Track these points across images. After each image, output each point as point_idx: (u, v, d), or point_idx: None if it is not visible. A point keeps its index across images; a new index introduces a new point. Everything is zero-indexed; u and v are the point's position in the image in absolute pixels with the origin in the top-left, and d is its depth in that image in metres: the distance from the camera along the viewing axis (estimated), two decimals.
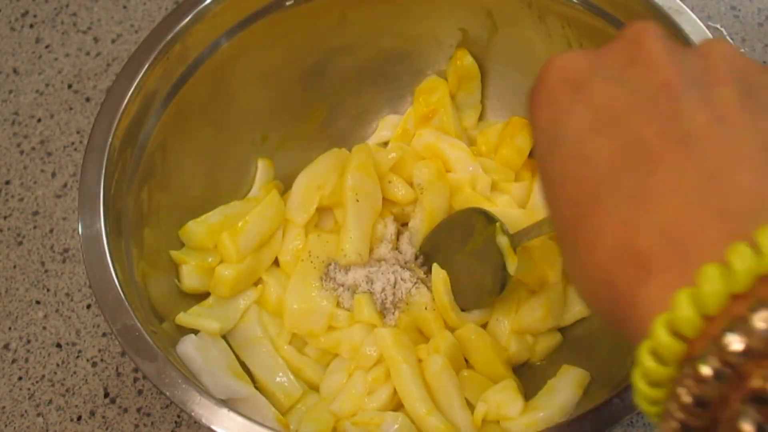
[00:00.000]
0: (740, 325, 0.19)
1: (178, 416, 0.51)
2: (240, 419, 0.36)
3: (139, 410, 0.52)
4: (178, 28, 0.46)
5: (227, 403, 0.38)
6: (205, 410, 0.37)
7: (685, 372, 0.20)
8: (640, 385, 0.21)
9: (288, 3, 0.50)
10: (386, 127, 0.58)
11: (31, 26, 0.67)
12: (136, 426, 0.51)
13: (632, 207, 0.23)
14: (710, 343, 0.19)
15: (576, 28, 0.49)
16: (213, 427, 0.36)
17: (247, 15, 0.49)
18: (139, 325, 0.39)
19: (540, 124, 0.28)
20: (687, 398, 0.19)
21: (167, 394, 0.37)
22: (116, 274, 0.40)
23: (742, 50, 0.62)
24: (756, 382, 0.18)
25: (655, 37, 0.26)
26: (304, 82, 0.54)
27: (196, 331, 0.46)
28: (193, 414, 0.37)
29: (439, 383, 0.46)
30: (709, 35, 0.44)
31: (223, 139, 0.52)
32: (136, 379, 0.53)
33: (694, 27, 0.43)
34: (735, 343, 0.19)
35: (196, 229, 0.49)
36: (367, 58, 0.55)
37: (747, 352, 0.19)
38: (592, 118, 0.26)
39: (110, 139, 0.43)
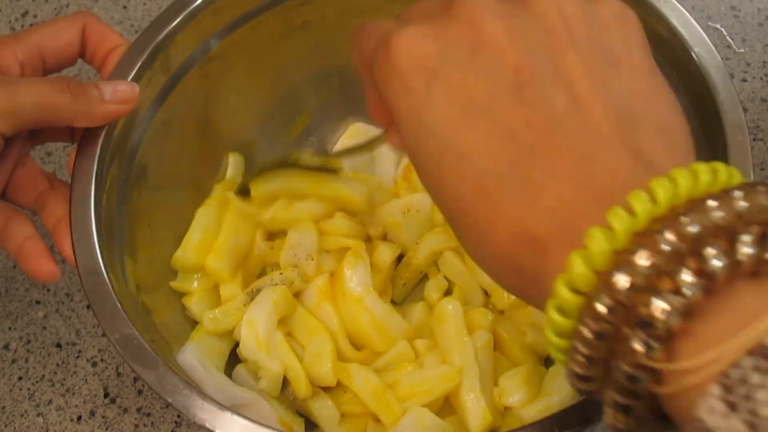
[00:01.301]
0: (625, 266, 0.22)
1: (178, 416, 0.51)
2: (244, 422, 0.36)
3: (139, 410, 0.52)
4: (159, 38, 0.45)
5: (231, 408, 0.38)
6: (208, 415, 0.36)
7: (585, 315, 0.23)
8: (551, 337, 0.25)
9: (277, 6, 0.50)
10: (354, 134, 0.57)
11: (31, 26, 0.67)
12: (136, 426, 0.51)
13: (519, 197, 0.26)
14: (603, 286, 0.23)
15: None
16: (217, 431, 0.36)
17: (231, 21, 0.49)
18: (137, 333, 0.39)
19: (401, 113, 0.28)
20: (588, 334, 0.23)
21: (169, 400, 0.37)
22: (111, 284, 0.40)
23: (742, 50, 0.62)
24: (642, 311, 0.22)
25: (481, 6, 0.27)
26: (289, 87, 0.54)
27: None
28: (196, 419, 0.36)
29: (484, 360, 0.46)
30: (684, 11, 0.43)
31: (209, 147, 0.52)
32: (136, 379, 0.53)
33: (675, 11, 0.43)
34: (622, 281, 0.22)
35: (186, 255, 0.49)
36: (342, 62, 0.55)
37: (632, 287, 0.22)
38: (456, 111, 0.27)
39: (98, 149, 0.43)
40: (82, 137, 0.43)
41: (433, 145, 0.27)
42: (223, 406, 0.37)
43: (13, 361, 0.54)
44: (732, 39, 0.62)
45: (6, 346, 0.54)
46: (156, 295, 0.47)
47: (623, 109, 0.26)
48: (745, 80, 0.61)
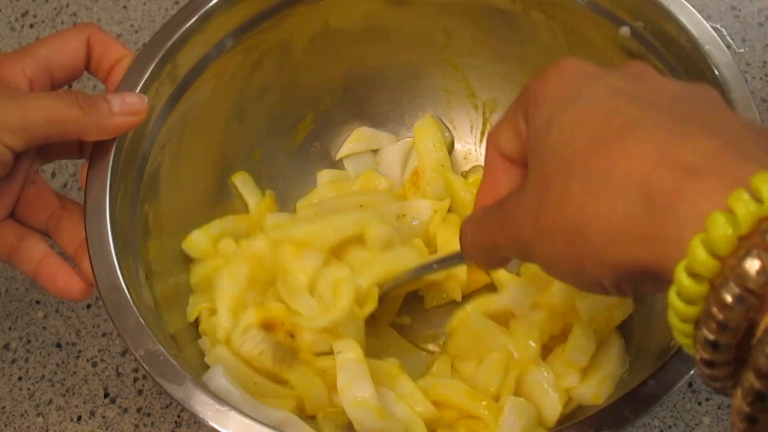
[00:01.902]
0: (754, 251, 0.21)
1: (178, 416, 0.51)
2: None
3: (139, 410, 0.52)
4: (166, 47, 0.45)
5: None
6: (243, 428, 0.36)
7: (711, 303, 0.22)
8: (675, 322, 0.24)
9: (283, 11, 0.50)
10: (358, 138, 0.57)
11: (31, 26, 0.67)
12: (136, 426, 0.51)
13: (670, 137, 0.26)
14: (729, 273, 0.22)
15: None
16: None
17: (237, 27, 0.49)
18: (163, 349, 0.38)
19: (546, 92, 0.31)
20: (714, 325, 0.22)
21: (200, 416, 0.37)
22: (132, 299, 0.40)
23: (742, 50, 0.62)
24: None
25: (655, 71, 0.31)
26: (293, 94, 0.54)
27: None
28: None
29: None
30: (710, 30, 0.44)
31: (217, 154, 0.52)
32: (136, 379, 0.53)
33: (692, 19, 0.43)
34: (752, 266, 0.21)
35: (199, 238, 0.49)
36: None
37: (763, 272, 0.21)
38: (612, 94, 0.28)
39: (110, 163, 0.43)
40: (94, 151, 0.43)
41: (582, 106, 0.29)
42: (258, 421, 0.36)
43: (13, 361, 0.54)
44: (732, 39, 0.62)
45: (6, 346, 0.54)
46: (170, 307, 0.46)
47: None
48: (744, 80, 0.61)
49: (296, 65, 0.53)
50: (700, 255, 0.22)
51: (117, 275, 0.40)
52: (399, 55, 0.55)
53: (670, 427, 0.49)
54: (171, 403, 0.52)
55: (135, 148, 0.45)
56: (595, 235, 0.26)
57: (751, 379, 0.21)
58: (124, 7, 0.68)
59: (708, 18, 0.63)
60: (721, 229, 0.22)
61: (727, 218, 0.22)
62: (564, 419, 0.44)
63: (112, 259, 0.41)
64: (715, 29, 0.63)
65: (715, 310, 0.22)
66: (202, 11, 0.46)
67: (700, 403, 0.50)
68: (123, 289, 0.40)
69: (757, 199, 0.22)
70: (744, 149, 0.25)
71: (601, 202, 0.26)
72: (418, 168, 0.55)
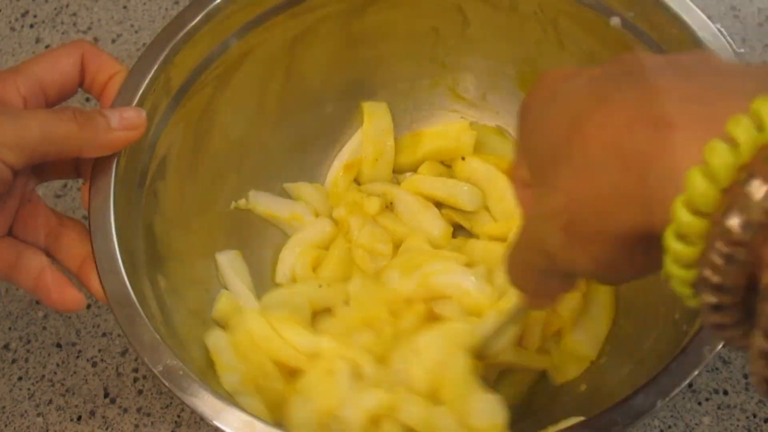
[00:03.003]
0: (759, 175, 0.20)
1: (178, 416, 0.51)
2: None
3: (139, 410, 0.52)
4: (159, 60, 0.45)
5: None
6: None
7: (714, 237, 0.21)
8: (673, 269, 0.23)
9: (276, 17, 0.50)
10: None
11: (31, 26, 0.67)
12: (136, 426, 0.51)
13: (643, 95, 0.24)
14: (732, 202, 0.20)
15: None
16: None
17: (228, 36, 0.49)
18: (181, 364, 0.38)
19: (531, 105, 0.31)
20: (719, 260, 0.20)
21: (227, 430, 0.37)
22: (145, 315, 0.39)
23: (742, 50, 0.62)
24: None
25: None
26: (284, 104, 0.54)
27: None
28: None
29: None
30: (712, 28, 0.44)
31: (212, 164, 0.52)
32: (136, 379, 0.53)
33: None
34: (758, 191, 0.20)
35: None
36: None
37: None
38: (590, 80, 0.28)
39: (113, 178, 0.43)
40: (95, 169, 0.43)
41: (562, 99, 0.29)
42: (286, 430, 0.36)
43: (13, 361, 0.54)
44: (732, 39, 0.62)
45: (6, 346, 0.54)
46: (181, 321, 0.46)
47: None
48: None
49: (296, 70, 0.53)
50: (700, 186, 0.21)
51: (128, 291, 0.40)
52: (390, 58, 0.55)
53: (670, 427, 0.49)
54: (171, 403, 0.52)
55: (134, 161, 0.45)
56: (591, 214, 0.26)
57: (759, 341, 0.20)
58: (124, 7, 0.68)
59: (708, 18, 0.63)
60: (722, 158, 0.20)
61: (727, 147, 0.21)
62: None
63: (122, 275, 0.40)
64: (715, 29, 0.63)
65: (719, 244, 0.21)
66: (195, 21, 0.46)
67: (700, 403, 0.50)
68: (135, 305, 0.40)
69: (759, 126, 0.21)
70: (727, 86, 0.23)
71: (587, 180, 0.26)
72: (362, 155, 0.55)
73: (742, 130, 0.21)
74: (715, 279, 0.21)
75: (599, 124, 0.25)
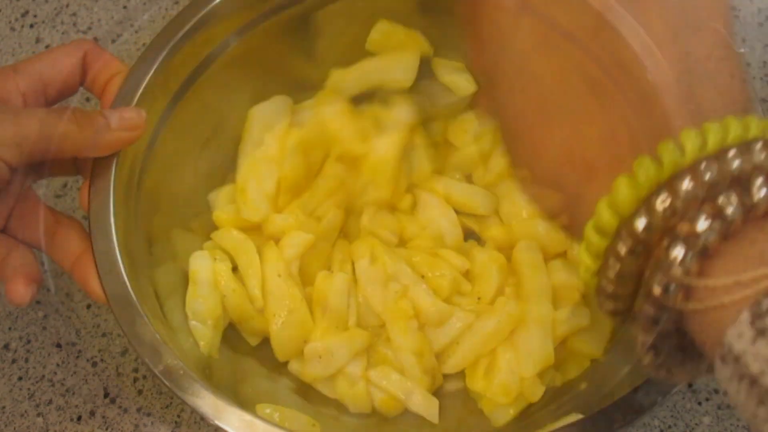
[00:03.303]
0: (667, 190, 0.24)
1: (178, 416, 0.51)
2: None
3: (139, 410, 0.52)
4: (159, 59, 0.45)
5: None
6: None
7: (623, 231, 0.25)
8: (584, 257, 0.27)
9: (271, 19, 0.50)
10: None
11: (31, 26, 0.67)
12: (136, 426, 0.51)
13: (575, 123, 0.28)
14: (644, 207, 0.25)
15: None
16: None
17: (227, 36, 0.49)
18: (182, 363, 0.38)
19: (482, 35, 0.32)
20: (623, 249, 0.25)
21: (230, 430, 0.37)
22: (146, 315, 0.40)
23: (742, 50, 0.62)
24: (683, 227, 0.24)
25: None
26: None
27: None
28: None
29: None
30: None
31: (213, 162, 0.52)
32: (136, 379, 0.53)
33: None
34: (662, 203, 0.24)
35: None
36: None
37: (671, 209, 0.24)
38: (536, 39, 0.30)
39: (113, 178, 0.43)
40: (94, 169, 0.42)
41: (509, 66, 0.31)
42: (287, 430, 0.36)
43: (13, 361, 0.54)
44: (732, 39, 0.62)
45: (6, 346, 0.55)
46: (181, 321, 0.46)
47: (693, 67, 0.28)
48: None
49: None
50: (623, 192, 0.25)
51: (129, 291, 0.40)
52: None
53: (670, 427, 0.49)
54: (171, 403, 0.52)
55: (134, 160, 0.45)
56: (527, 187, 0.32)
57: (645, 306, 0.25)
58: (124, 7, 0.68)
59: None
60: (647, 172, 0.25)
61: (652, 163, 0.25)
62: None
63: (122, 276, 0.40)
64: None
65: (625, 238, 0.25)
66: (194, 20, 0.46)
67: (700, 403, 0.50)
68: (136, 305, 0.40)
69: (682, 151, 0.25)
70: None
71: (530, 175, 0.30)
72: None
73: (668, 153, 0.25)
74: (617, 266, 0.26)
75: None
